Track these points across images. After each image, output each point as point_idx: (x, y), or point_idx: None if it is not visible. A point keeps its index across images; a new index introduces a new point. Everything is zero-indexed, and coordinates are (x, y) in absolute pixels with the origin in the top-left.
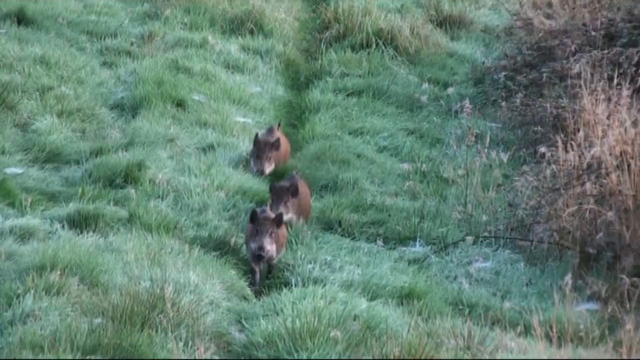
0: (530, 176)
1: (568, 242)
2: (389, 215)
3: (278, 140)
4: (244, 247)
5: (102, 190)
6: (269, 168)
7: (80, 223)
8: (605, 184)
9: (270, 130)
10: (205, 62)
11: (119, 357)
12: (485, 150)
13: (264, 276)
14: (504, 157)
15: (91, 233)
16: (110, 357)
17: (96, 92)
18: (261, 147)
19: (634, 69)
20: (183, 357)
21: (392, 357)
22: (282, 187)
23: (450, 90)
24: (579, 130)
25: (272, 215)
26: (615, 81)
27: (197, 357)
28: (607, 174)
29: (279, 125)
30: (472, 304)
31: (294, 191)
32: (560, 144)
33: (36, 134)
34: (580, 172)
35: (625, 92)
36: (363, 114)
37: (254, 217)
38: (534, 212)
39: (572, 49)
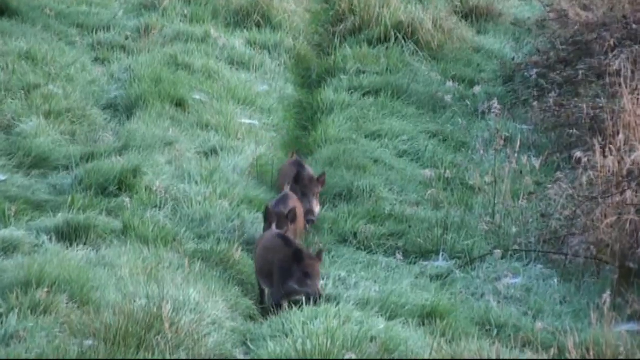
0: (565, 183)
1: (606, 256)
2: (410, 227)
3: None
4: (252, 261)
5: (94, 199)
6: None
7: (69, 235)
8: None
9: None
10: (208, 58)
11: None
12: (515, 155)
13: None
14: (536, 163)
15: (81, 246)
16: None
17: (87, 91)
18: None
19: None
20: None
21: None
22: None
23: (477, 89)
24: (618, 133)
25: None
26: None
27: None
28: None
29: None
30: (501, 324)
31: (292, 218)
32: (597, 148)
33: (21, 136)
34: (620, 179)
35: None
36: (381, 115)
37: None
38: (569, 223)
39: (611, 43)
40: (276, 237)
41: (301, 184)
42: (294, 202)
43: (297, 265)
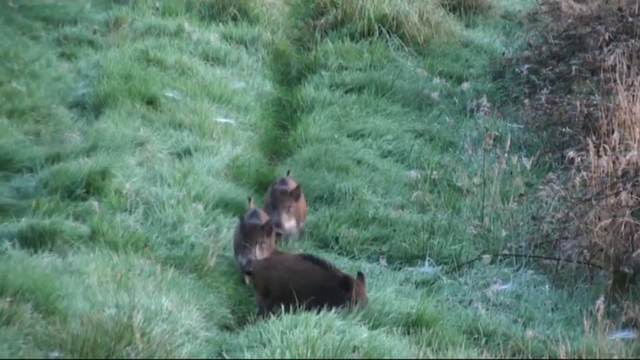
0: (557, 185)
1: (600, 260)
2: (394, 231)
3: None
4: (228, 264)
5: (60, 203)
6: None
7: (34, 241)
8: None
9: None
10: (181, 53)
11: None
12: (505, 155)
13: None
14: (527, 163)
15: (47, 252)
16: None
17: (53, 89)
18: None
19: None
20: None
21: None
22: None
23: (465, 85)
24: (613, 132)
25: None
26: None
27: None
28: None
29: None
30: (490, 332)
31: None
32: (591, 147)
33: None
34: (615, 179)
35: None
36: (364, 114)
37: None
38: (561, 226)
39: (606, 37)
40: (307, 261)
41: (272, 196)
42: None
43: (346, 293)
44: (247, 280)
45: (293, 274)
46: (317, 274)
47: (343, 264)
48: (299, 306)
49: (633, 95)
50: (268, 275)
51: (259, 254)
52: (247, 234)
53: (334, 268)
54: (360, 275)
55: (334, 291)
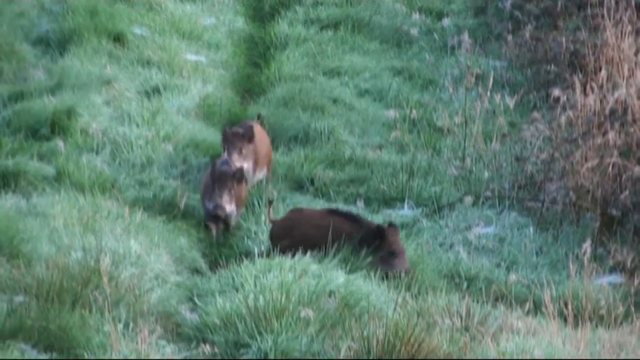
0: (542, 124)
1: (587, 202)
2: (372, 172)
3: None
4: (199, 207)
5: (24, 143)
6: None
7: None
8: (632, 133)
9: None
10: None
11: (45, 342)
12: (488, 93)
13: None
14: (510, 102)
15: (10, 194)
16: (34, 342)
17: (15, 25)
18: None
19: None
20: (122, 342)
21: (375, 341)
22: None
23: (446, 21)
24: (600, 69)
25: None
26: None
27: (139, 341)
28: (634, 121)
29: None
30: (472, 276)
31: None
32: (577, 85)
33: None
34: (602, 119)
35: None
36: (340, 51)
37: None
38: (546, 167)
39: None
40: (332, 215)
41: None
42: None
43: (208, 179)
44: (212, 227)
45: (320, 229)
46: (347, 226)
47: (318, 207)
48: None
49: (621, 32)
50: (291, 235)
51: (226, 199)
52: (218, 180)
53: (363, 219)
54: (392, 225)
55: (367, 242)
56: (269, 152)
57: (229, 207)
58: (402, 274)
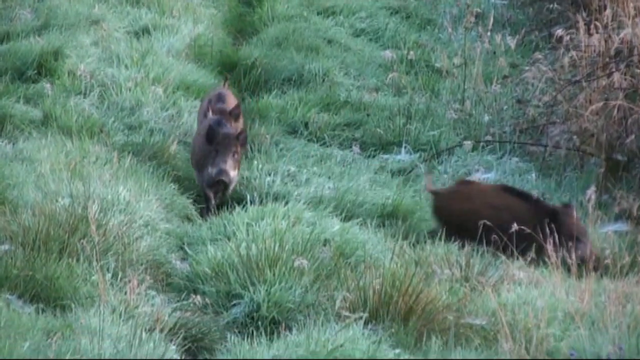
0: (544, 65)
1: (591, 147)
2: (368, 115)
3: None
4: (190, 158)
5: (10, 85)
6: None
7: None
8: (638, 75)
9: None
10: None
11: (30, 292)
12: (488, 33)
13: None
14: (511, 42)
15: None
16: (20, 292)
17: None
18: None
19: None
20: (111, 292)
21: (371, 291)
22: (227, 135)
23: None
24: (605, 8)
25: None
26: None
27: (128, 291)
28: None
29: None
30: None
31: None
32: (581, 25)
33: None
34: (607, 59)
35: None
36: None
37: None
38: (549, 110)
39: None
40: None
41: (216, 141)
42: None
43: (208, 143)
44: (210, 195)
45: (494, 209)
46: (522, 208)
47: (312, 152)
48: (501, 247)
49: None
50: (459, 208)
51: (230, 164)
52: (221, 142)
53: (540, 199)
54: (567, 205)
55: (540, 226)
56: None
57: (233, 172)
58: (583, 262)
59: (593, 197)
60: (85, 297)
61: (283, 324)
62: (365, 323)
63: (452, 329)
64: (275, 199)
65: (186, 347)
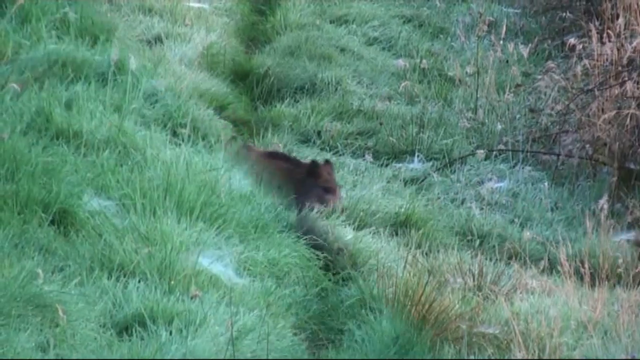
0: (557, 74)
1: (604, 156)
2: (381, 124)
3: None
4: None
5: None
6: None
7: None
8: None
9: None
10: None
11: None
12: (501, 42)
13: None
14: (524, 51)
15: None
16: None
17: None
18: None
19: None
20: None
21: (384, 299)
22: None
23: None
24: (618, 17)
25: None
26: None
27: None
28: None
29: None
30: (484, 233)
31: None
32: (594, 33)
33: None
34: (619, 68)
35: None
36: None
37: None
38: (561, 119)
39: None
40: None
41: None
42: None
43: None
44: None
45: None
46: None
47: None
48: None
49: None
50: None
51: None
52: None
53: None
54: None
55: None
56: None
57: None
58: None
59: (606, 205)
60: None
61: None
62: None
63: (465, 337)
64: None
65: None
